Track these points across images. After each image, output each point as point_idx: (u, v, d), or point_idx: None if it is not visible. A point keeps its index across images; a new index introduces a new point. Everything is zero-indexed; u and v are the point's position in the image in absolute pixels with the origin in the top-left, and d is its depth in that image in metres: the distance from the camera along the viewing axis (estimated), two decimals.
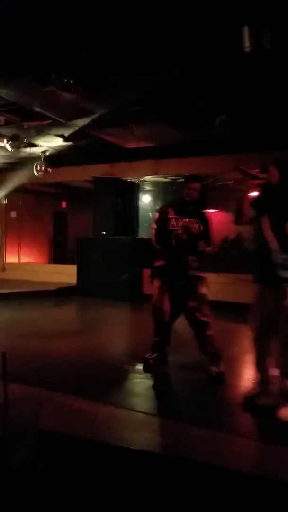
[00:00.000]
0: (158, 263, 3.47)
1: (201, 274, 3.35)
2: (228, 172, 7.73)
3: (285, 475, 2.05)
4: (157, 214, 3.60)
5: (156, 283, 3.47)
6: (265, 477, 2.03)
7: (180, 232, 3.34)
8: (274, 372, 2.77)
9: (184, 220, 3.36)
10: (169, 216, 3.42)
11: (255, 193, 2.78)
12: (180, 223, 3.36)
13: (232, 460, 2.23)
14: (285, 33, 3.61)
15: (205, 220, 3.43)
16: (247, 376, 3.23)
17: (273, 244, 2.54)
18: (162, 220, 3.47)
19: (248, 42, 3.69)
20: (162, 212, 3.53)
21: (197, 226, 3.34)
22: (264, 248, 2.58)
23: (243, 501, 1.84)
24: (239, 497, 1.86)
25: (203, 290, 3.33)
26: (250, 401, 2.72)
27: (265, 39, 3.59)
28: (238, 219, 2.68)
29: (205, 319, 3.31)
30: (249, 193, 2.69)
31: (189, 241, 3.32)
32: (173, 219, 3.40)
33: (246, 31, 3.63)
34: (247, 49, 3.74)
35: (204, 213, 3.52)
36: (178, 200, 3.56)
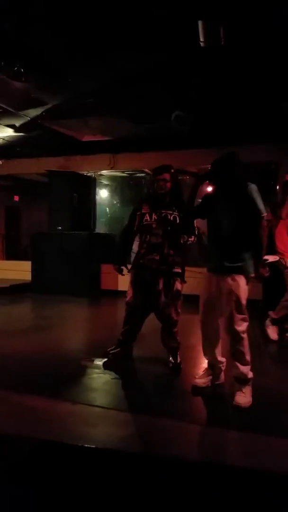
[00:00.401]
0: (134, 259, 3.42)
1: (177, 270, 3.30)
2: (185, 167, 7.83)
3: (246, 461, 2.10)
4: (132, 211, 3.53)
5: (131, 277, 3.43)
6: (226, 464, 2.08)
7: (154, 226, 3.29)
8: (220, 357, 2.95)
9: (158, 213, 3.31)
10: (143, 211, 3.38)
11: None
12: (154, 217, 3.31)
13: (191, 448, 2.26)
14: (240, 28, 3.67)
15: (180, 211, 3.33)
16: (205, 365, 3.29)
17: (216, 234, 2.77)
18: (134, 216, 3.42)
19: (203, 36, 3.73)
20: (136, 208, 3.47)
21: (172, 218, 3.28)
22: (212, 240, 2.81)
23: (206, 489, 1.88)
24: (201, 486, 1.90)
25: (178, 286, 3.31)
26: (195, 386, 2.90)
27: (219, 34, 3.64)
28: (186, 226, 3.11)
29: (176, 317, 3.32)
30: (196, 190, 2.81)
31: (165, 234, 3.27)
32: (147, 214, 3.35)
33: (200, 25, 3.66)
34: (202, 44, 3.78)
35: (181, 202, 3.36)
36: (152, 194, 3.47)
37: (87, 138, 7.02)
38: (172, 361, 3.35)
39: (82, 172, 7.99)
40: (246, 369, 2.71)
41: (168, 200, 3.35)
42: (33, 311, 6.36)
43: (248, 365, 2.72)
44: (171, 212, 3.30)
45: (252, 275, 2.71)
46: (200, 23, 3.59)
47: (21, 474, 2.00)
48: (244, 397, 2.68)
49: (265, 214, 2.74)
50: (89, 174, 8.21)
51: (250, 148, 6.72)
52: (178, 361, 3.34)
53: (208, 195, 2.92)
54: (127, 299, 3.43)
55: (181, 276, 3.34)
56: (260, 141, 6.58)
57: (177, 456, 2.11)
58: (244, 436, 2.35)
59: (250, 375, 2.73)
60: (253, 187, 2.74)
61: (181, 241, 3.31)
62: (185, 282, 3.37)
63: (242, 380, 2.71)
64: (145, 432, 2.38)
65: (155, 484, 1.91)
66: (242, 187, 2.72)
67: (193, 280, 3.56)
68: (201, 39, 3.70)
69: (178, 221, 3.28)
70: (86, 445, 2.13)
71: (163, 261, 3.26)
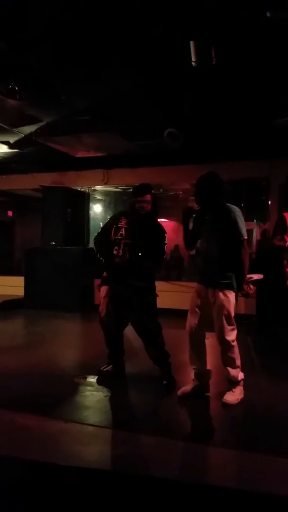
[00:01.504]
0: (105, 273, 3.39)
1: (147, 284, 3.29)
2: (177, 183, 7.91)
3: (241, 482, 2.07)
4: (107, 222, 3.52)
5: (103, 291, 3.41)
6: (221, 485, 2.05)
7: (127, 241, 3.27)
8: (207, 367, 3.11)
9: (133, 231, 3.29)
10: (120, 225, 3.36)
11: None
12: (128, 232, 3.29)
13: (185, 467, 2.22)
14: (231, 48, 3.76)
15: (159, 233, 3.34)
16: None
17: (205, 252, 2.99)
18: (109, 228, 3.39)
19: (194, 56, 3.81)
20: (113, 220, 3.45)
21: (147, 237, 3.26)
22: (200, 255, 3.03)
23: (199, 510, 1.84)
24: (195, 506, 1.86)
25: (151, 299, 3.30)
26: (183, 395, 3.04)
27: (211, 54, 3.73)
28: (189, 246, 3.13)
29: (154, 327, 3.29)
30: (189, 222, 3.04)
31: (138, 250, 3.25)
32: (123, 229, 3.33)
33: (192, 46, 3.75)
34: (194, 64, 3.86)
35: (158, 226, 3.39)
36: (132, 212, 3.37)
37: (81, 154, 7.09)
38: (166, 378, 3.31)
39: (76, 188, 8.03)
40: (236, 372, 2.97)
41: (146, 222, 3.31)
42: (25, 327, 6.30)
43: (238, 368, 2.97)
44: (145, 232, 3.27)
45: (236, 291, 2.98)
46: (191, 43, 3.68)
47: (13, 494, 1.95)
48: (232, 395, 2.94)
49: (246, 237, 2.96)
50: (83, 189, 8.25)
51: (241, 164, 6.84)
52: (172, 377, 3.31)
53: (196, 214, 3.05)
54: (101, 315, 3.40)
55: (152, 290, 3.32)
56: (252, 158, 6.68)
57: (171, 476, 2.07)
58: (238, 454, 2.32)
59: (241, 376, 3.00)
60: (237, 211, 2.96)
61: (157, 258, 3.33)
62: (156, 295, 3.35)
63: (233, 382, 2.97)
64: (138, 451, 2.35)
65: (149, 505, 1.87)
66: (224, 208, 2.94)
67: (179, 294, 3.57)
68: (193, 59, 3.78)
69: (152, 243, 3.25)
70: (78, 465, 2.09)
71: (134, 276, 3.23)
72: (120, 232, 3.33)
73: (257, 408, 2.98)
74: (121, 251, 3.28)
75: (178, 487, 1.99)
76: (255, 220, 8.10)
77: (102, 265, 3.49)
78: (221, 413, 2.88)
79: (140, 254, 3.24)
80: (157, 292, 3.38)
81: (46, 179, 7.99)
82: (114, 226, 3.39)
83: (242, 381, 3.02)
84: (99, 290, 3.49)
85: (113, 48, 3.84)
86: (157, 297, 3.37)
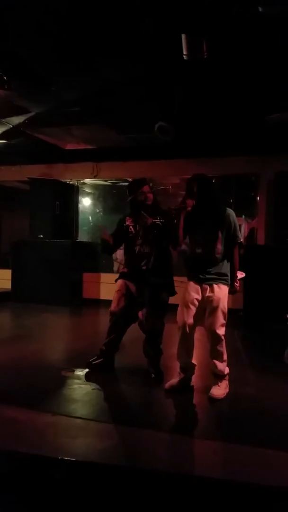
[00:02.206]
0: (123, 268, 3.42)
1: (162, 280, 3.29)
2: (167, 177, 7.90)
3: (227, 473, 2.09)
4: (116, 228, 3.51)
5: (117, 286, 3.41)
6: (208, 476, 2.07)
7: (140, 237, 3.30)
8: (193, 361, 3.16)
9: (144, 223, 3.31)
10: (127, 224, 3.38)
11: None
12: (139, 227, 3.32)
13: (172, 459, 2.24)
14: (223, 43, 3.75)
15: (168, 217, 3.31)
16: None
17: (200, 251, 3.03)
18: (121, 227, 3.41)
19: (186, 50, 3.79)
20: (121, 220, 3.46)
21: (159, 223, 3.28)
22: (193, 255, 3.06)
23: (187, 500, 1.85)
24: (182, 497, 1.88)
25: (164, 297, 3.30)
26: (170, 388, 3.08)
27: (202, 48, 3.72)
28: (176, 245, 3.13)
29: (160, 327, 3.31)
30: (182, 219, 3.03)
31: (153, 245, 3.26)
32: (131, 226, 3.36)
33: (184, 39, 3.73)
34: (186, 57, 3.85)
35: (165, 211, 3.38)
36: (135, 207, 3.38)
37: (70, 146, 7.01)
38: (154, 371, 3.33)
39: (64, 180, 7.95)
40: (223, 366, 3.04)
41: (151, 210, 3.36)
42: (12, 321, 6.25)
43: (224, 362, 3.04)
44: (157, 220, 3.31)
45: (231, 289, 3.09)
46: (183, 36, 3.66)
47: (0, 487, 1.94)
48: (219, 390, 3.01)
49: (241, 239, 3.12)
50: (71, 182, 8.18)
51: (231, 160, 6.86)
52: (160, 371, 3.33)
53: (189, 212, 3.06)
54: (111, 308, 3.41)
55: (168, 287, 3.33)
56: (242, 154, 6.70)
57: (158, 468, 2.09)
58: (225, 446, 2.35)
59: (227, 371, 3.08)
60: (233, 214, 3.07)
61: (171, 250, 3.31)
62: (173, 294, 3.35)
63: (219, 376, 3.03)
64: (126, 443, 2.36)
65: (136, 496, 1.88)
66: (222, 210, 3.04)
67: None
68: (185, 53, 3.76)
69: (165, 226, 3.25)
70: (65, 458, 2.09)
71: (149, 272, 3.26)
72: (130, 230, 3.36)
73: (244, 401, 3.02)
74: (135, 248, 3.31)
75: (165, 478, 2.00)
76: (243, 216, 8.15)
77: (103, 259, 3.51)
78: (208, 406, 2.91)
79: (153, 248, 3.26)
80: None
81: (34, 171, 7.89)
82: (125, 225, 3.41)
83: (227, 376, 3.08)
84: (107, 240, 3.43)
85: (104, 40, 3.79)
86: (176, 295, 3.34)
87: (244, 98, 5.00)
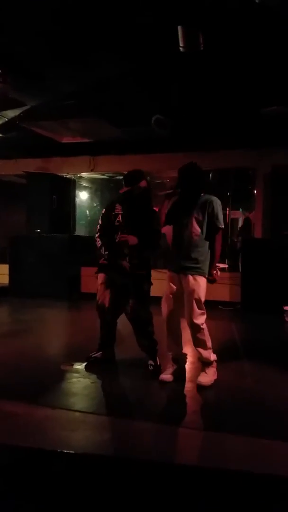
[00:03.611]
0: (102, 260, 3.39)
1: (142, 272, 3.31)
2: (164, 170, 7.88)
3: (226, 463, 2.12)
4: (103, 210, 3.50)
5: (100, 279, 3.41)
6: (207, 466, 2.10)
7: (124, 227, 3.28)
8: (184, 350, 3.25)
9: (130, 213, 3.30)
10: (116, 212, 3.36)
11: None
12: (125, 218, 3.30)
13: (171, 451, 2.27)
14: (219, 34, 3.73)
15: (153, 217, 3.33)
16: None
17: (178, 238, 3.07)
18: (107, 216, 3.39)
19: (182, 42, 3.77)
20: (108, 208, 3.44)
21: (144, 221, 3.28)
22: (172, 243, 3.11)
23: (186, 492, 1.88)
24: (181, 488, 1.90)
25: (145, 287, 3.31)
26: (165, 380, 3.10)
27: (199, 40, 3.69)
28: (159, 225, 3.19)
29: (146, 316, 3.32)
30: (165, 204, 3.12)
31: (135, 235, 3.24)
32: (120, 215, 3.34)
33: (180, 31, 3.70)
34: (182, 49, 3.82)
35: (153, 211, 3.40)
36: (127, 197, 3.35)
37: (66, 140, 6.98)
38: (152, 363, 3.35)
39: (61, 174, 7.92)
40: (207, 353, 3.07)
41: (143, 205, 3.34)
42: (11, 315, 6.26)
43: (209, 349, 3.08)
44: (141, 215, 3.30)
45: (207, 277, 3.08)
46: (180, 28, 3.64)
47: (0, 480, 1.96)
48: (206, 377, 3.06)
49: (223, 226, 3.09)
50: (68, 176, 8.15)
51: (229, 153, 6.85)
52: (158, 364, 3.35)
53: (175, 202, 3.12)
54: (98, 302, 3.42)
55: (147, 277, 3.35)
56: (239, 147, 6.69)
57: (157, 459, 2.11)
58: (223, 437, 2.37)
59: (213, 357, 3.11)
60: (217, 200, 3.08)
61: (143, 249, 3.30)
62: (151, 284, 3.37)
63: (205, 363, 3.09)
64: (125, 436, 2.38)
65: (135, 488, 1.90)
66: (205, 197, 3.06)
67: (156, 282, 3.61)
68: (181, 44, 3.74)
69: (144, 225, 3.25)
70: (65, 450, 2.11)
71: (130, 264, 3.26)
72: (117, 219, 3.34)
73: (240, 392, 3.04)
74: (117, 238, 3.28)
75: (164, 469, 2.03)
76: (240, 209, 8.16)
77: (99, 253, 3.48)
78: (204, 397, 2.94)
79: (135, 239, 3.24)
80: (152, 281, 3.39)
81: (31, 165, 7.86)
82: (113, 213, 3.38)
83: (214, 362, 3.13)
84: (96, 278, 3.49)
85: (101, 33, 3.76)
86: (151, 286, 3.37)
87: (240, 91, 4.99)
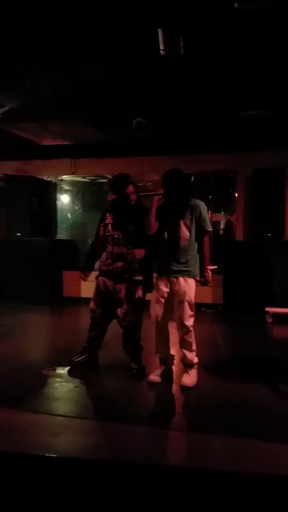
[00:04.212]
0: (102, 266, 3.40)
1: (139, 278, 3.29)
2: (146, 174, 7.90)
3: (209, 464, 2.11)
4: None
5: (96, 283, 3.41)
6: (191, 467, 2.09)
7: (116, 236, 3.30)
8: (171, 352, 3.29)
9: (122, 223, 3.31)
10: (106, 222, 3.38)
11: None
12: (117, 226, 3.31)
13: (155, 453, 2.24)
14: (199, 39, 3.76)
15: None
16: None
17: (168, 243, 3.10)
18: (99, 227, 3.43)
19: (162, 45, 3.79)
20: (99, 220, 3.47)
21: (133, 228, 3.28)
22: (161, 247, 3.14)
23: (171, 493, 1.86)
24: (166, 490, 1.88)
25: (140, 293, 3.29)
26: (153, 381, 3.13)
27: (179, 43, 3.72)
28: (147, 230, 3.14)
29: (137, 323, 3.31)
30: (154, 208, 3.09)
31: (129, 243, 3.26)
32: (110, 225, 3.35)
33: (160, 34, 3.72)
34: (162, 52, 3.84)
35: (145, 212, 3.36)
36: (117, 206, 3.39)
37: (47, 142, 6.91)
38: (136, 367, 3.33)
39: (42, 177, 7.84)
40: (192, 356, 3.13)
41: (132, 210, 3.34)
42: None
43: (193, 351, 3.14)
44: (134, 222, 3.29)
45: (198, 279, 3.14)
46: (160, 31, 3.66)
47: None
48: (189, 378, 3.10)
49: (210, 229, 3.19)
50: (49, 179, 8.07)
51: (210, 156, 6.92)
52: (142, 367, 3.33)
53: (161, 206, 3.13)
54: (90, 305, 3.43)
55: (145, 284, 3.32)
56: (220, 150, 6.77)
57: (142, 462, 2.09)
58: (208, 438, 2.37)
59: (196, 360, 3.16)
60: (203, 204, 3.16)
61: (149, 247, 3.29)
62: (150, 291, 3.33)
63: (189, 365, 3.14)
64: (108, 439, 2.35)
65: (120, 491, 1.88)
66: (191, 202, 3.12)
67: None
68: (161, 48, 3.76)
69: (139, 230, 3.25)
70: (48, 455, 2.07)
71: (125, 269, 3.26)
72: (108, 228, 3.35)
73: (224, 393, 3.06)
74: (111, 247, 3.31)
75: (149, 472, 2.01)
76: (222, 212, 8.24)
77: (84, 259, 3.59)
78: (189, 398, 2.94)
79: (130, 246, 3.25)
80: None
81: (10, 167, 7.73)
82: (102, 224, 3.41)
83: (196, 365, 3.19)
84: (83, 278, 3.50)
85: (81, 34, 3.75)
86: (147, 292, 3.33)
87: (221, 95, 5.05)
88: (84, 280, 3.55)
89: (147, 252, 3.28)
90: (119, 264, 3.27)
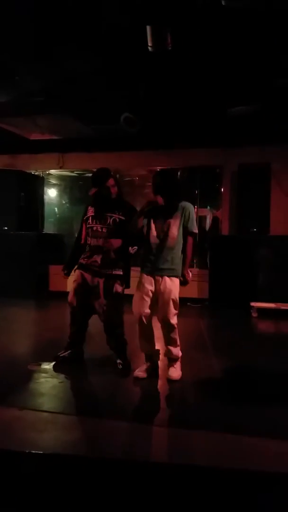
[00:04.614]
0: (82, 259, 3.40)
1: (117, 272, 3.32)
2: (134, 168, 7.89)
3: (195, 459, 2.16)
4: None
5: (73, 277, 3.42)
6: (175, 463, 2.13)
7: (95, 229, 3.31)
8: (157, 347, 3.34)
9: (102, 216, 3.32)
10: (88, 215, 3.39)
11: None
12: (97, 219, 3.33)
13: (139, 449, 2.29)
14: (187, 35, 3.77)
15: (129, 213, 3.36)
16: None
17: (156, 243, 3.15)
18: (82, 222, 3.44)
19: (150, 41, 3.79)
20: (84, 213, 3.47)
21: (112, 221, 3.31)
22: (148, 246, 3.18)
23: (155, 489, 1.91)
24: (150, 486, 1.92)
25: (118, 288, 3.31)
26: (138, 377, 3.18)
27: (167, 39, 3.72)
28: (134, 229, 3.22)
29: (117, 317, 3.33)
30: (145, 211, 3.18)
31: (109, 237, 3.28)
32: (90, 217, 3.36)
33: (149, 31, 3.72)
34: (150, 49, 3.84)
35: (129, 205, 3.44)
36: (98, 200, 3.38)
37: (35, 136, 6.86)
38: (121, 362, 3.37)
39: (29, 171, 7.78)
40: (177, 351, 3.24)
41: (113, 203, 3.37)
42: None
43: (178, 347, 3.24)
44: (113, 214, 3.32)
45: (181, 279, 3.20)
46: (148, 28, 3.65)
47: None
48: (175, 371, 3.20)
49: (196, 231, 3.25)
50: (37, 173, 8.01)
51: (196, 151, 6.94)
52: (127, 362, 3.37)
53: (149, 206, 3.17)
54: (69, 300, 3.43)
55: (123, 279, 3.36)
56: (207, 145, 6.80)
57: (126, 457, 2.13)
58: (192, 433, 2.42)
59: (180, 354, 3.27)
60: (191, 207, 3.24)
61: (128, 247, 3.34)
62: (128, 286, 3.40)
63: (174, 359, 3.24)
64: (94, 435, 2.38)
65: (105, 487, 1.92)
66: (180, 204, 3.20)
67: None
68: (149, 44, 3.76)
69: (118, 223, 3.30)
70: (33, 451, 2.09)
71: (104, 263, 3.28)
72: (88, 221, 3.37)
73: (209, 388, 3.11)
74: (90, 239, 3.33)
75: (133, 468, 2.05)
76: (208, 207, 8.28)
77: (68, 257, 3.57)
78: (174, 393, 2.99)
79: (109, 240, 3.27)
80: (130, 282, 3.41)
81: None
82: (84, 219, 3.43)
83: (180, 358, 3.28)
84: (64, 274, 3.51)
85: (68, 29, 3.73)
86: (125, 287, 3.38)
87: (208, 91, 5.07)
88: (67, 277, 3.56)
89: (126, 245, 3.31)
90: (98, 258, 3.28)
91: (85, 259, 3.36)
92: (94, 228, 3.33)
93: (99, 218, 3.34)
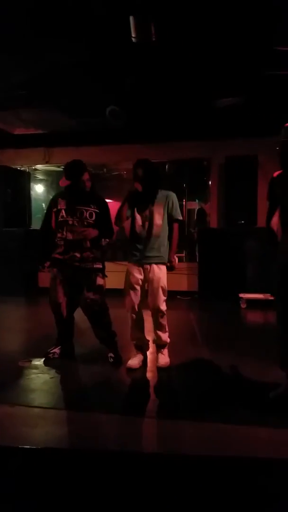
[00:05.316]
0: (55, 254, 3.34)
1: (97, 266, 3.32)
2: (121, 162, 7.85)
3: (187, 450, 2.18)
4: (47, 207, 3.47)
5: (52, 274, 3.36)
6: (168, 454, 2.15)
7: (71, 222, 3.26)
8: (147, 337, 3.42)
9: (76, 209, 3.28)
10: (59, 207, 3.32)
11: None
12: (71, 213, 3.27)
13: (131, 441, 2.30)
14: (171, 25, 3.74)
15: (102, 206, 3.36)
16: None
17: (142, 232, 3.21)
18: (50, 213, 3.36)
19: (134, 32, 3.75)
20: (52, 205, 3.40)
21: (88, 214, 3.29)
22: (134, 235, 3.24)
23: (147, 480, 1.91)
24: (142, 477, 1.93)
25: (100, 281, 3.31)
26: (130, 368, 3.24)
27: (150, 30, 3.68)
28: (119, 221, 3.26)
29: (100, 308, 3.32)
30: (127, 200, 3.21)
31: (83, 231, 3.25)
32: (63, 210, 3.30)
33: (132, 21, 3.67)
34: (134, 39, 3.80)
35: (103, 201, 3.42)
36: (69, 191, 3.32)
37: (19, 131, 6.76)
38: (112, 355, 3.37)
39: (15, 167, 7.68)
40: (166, 336, 3.33)
41: (87, 196, 3.33)
42: None
43: (167, 332, 3.33)
44: (88, 208, 3.30)
45: (167, 265, 3.28)
46: (131, 18, 3.61)
47: None
48: (164, 358, 3.29)
49: (180, 218, 3.32)
50: (23, 168, 7.91)
51: (184, 144, 6.92)
52: (118, 355, 3.37)
53: (133, 195, 3.19)
54: (51, 297, 3.38)
55: (102, 271, 3.37)
56: (194, 138, 6.78)
57: (117, 450, 2.14)
58: (182, 424, 2.43)
59: (168, 340, 3.35)
60: (174, 195, 3.31)
61: (101, 240, 3.36)
62: (105, 276, 3.41)
63: (162, 345, 3.32)
64: (85, 429, 2.38)
65: (97, 480, 1.92)
66: (163, 192, 3.27)
67: (114, 274, 3.68)
68: (133, 35, 3.72)
69: (94, 217, 3.29)
70: (25, 446, 2.09)
71: (84, 258, 3.26)
72: (61, 214, 3.30)
73: (200, 378, 3.13)
74: (65, 233, 3.27)
75: (124, 460, 2.06)
76: (196, 200, 8.30)
77: (39, 250, 3.55)
78: (164, 385, 3.01)
79: (85, 234, 3.24)
80: (106, 273, 3.42)
81: None
82: (55, 210, 3.35)
83: (167, 343, 3.36)
84: (46, 270, 3.44)
85: (52, 21, 3.66)
86: (106, 278, 3.40)
87: (195, 83, 5.05)
88: (44, 271, 3.48)
89: (100, 237, 3.33)
90: (77, 254, 3.25)
91: (61, 255, 3.29)
92: (70, 222, 3.27)
93: (73, 212, 3.28)
